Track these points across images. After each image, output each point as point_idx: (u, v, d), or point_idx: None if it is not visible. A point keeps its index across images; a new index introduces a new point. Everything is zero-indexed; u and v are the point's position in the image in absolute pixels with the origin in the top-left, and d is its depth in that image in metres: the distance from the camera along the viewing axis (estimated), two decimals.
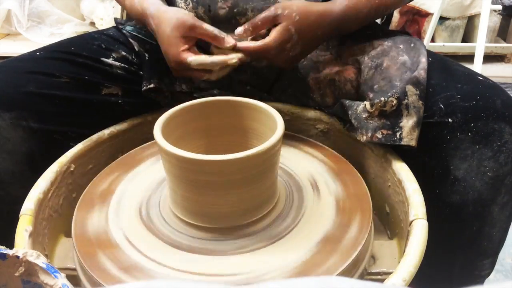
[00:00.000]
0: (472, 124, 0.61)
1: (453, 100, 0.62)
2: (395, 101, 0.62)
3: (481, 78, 0.67)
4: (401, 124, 0.62)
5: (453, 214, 0.63)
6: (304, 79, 0.76)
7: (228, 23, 0.71)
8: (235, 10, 0.71)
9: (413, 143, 0.62)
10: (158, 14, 0.68)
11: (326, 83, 0.74)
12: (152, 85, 0.72)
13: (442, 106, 0.62)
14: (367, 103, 0.64)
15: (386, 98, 0.62)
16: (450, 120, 0.62)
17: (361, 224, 0.56)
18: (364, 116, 0.64)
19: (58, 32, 2.45)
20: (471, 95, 0.63)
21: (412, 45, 0.70)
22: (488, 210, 0.62)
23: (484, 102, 0.62)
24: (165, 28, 0.66)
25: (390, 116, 0.63)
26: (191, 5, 0.73)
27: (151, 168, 0.68)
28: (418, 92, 0.62)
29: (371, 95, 0.67)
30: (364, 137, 0.64)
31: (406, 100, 0.62)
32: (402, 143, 0.62)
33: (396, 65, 0.67)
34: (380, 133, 0.63)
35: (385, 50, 0.71)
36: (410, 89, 0.63)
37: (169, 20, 0.66)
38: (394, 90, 0.63)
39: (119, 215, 0.59)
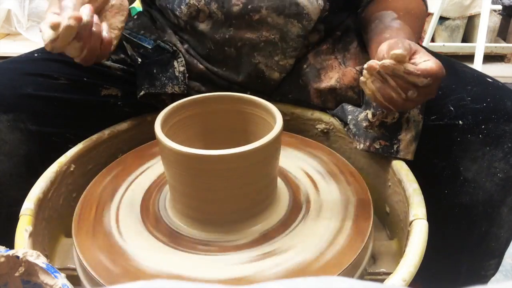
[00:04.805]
0: (482, 126, 0.61)
1: (463, 103, 0.63)
2: (396, 114, 0.62)
3: (490, 80, 0.67)
4: (399, 137, 0.63)
5: (462, 215, 0.63)
6: (305, 87, 0.75)
7: (241, 19, 0.70)
8: (249, 7, 0.70)
9: (409, 156, 0.62)
10: None
11: (327, 91, 0.74)
12: (142, 92, 0.72)
13: (452, 109, 0.63)
14: (369, 112, 0.64)
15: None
16: (460, 122, 0.62)
17: (361, 224, 0.56)
18: (364, 124, 0.65)
19: None
20: (481, 97, 0.63)
21: None
22: (497, 211, 0.62)
23: (495, 104, 0.62)
24: None
25: (390, 128, 0.63)
26: (203, 1, 0.71)
27: (151, 167, 0.68)
28: (419, 106, 0.63)
29: (374, 103, 0.67)
30: (362, 145, 0.65)
31: (407, 114, 0.63)
32: (398, 156, 0.63)
33: None
34: (378, 143, 0.64)
35: None
36: None
37: None
38: None
39: (119, 215, 0.59)
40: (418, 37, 0.69)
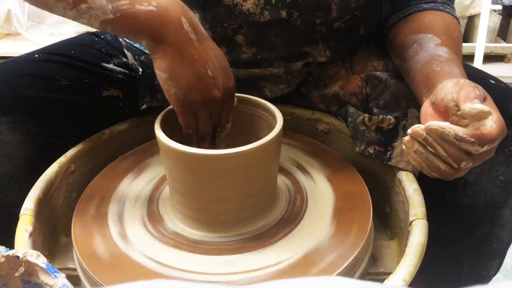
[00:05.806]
0: None
1: None
2: (392, 120, 0.62)
3: (493, 82, 0.67)
4: (394, 144, 0.63)
5: (464, 217, 0.63)
6: (308, 94, 0.75)
7: (247, 63, 0.70)
8: (259, 57, 0.69)
9: (400, 165, 0.61)
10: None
11: (331, 97, 0.74)
12: (144, 106, 0.71)
13: None
14: (366, 116, 0.64)
15: (384, 116, 0.62)
16: None
17: (361, 224, 0.56)
18: (361, 128, 0.64)
19: (58, 32, 2.45)
20: None
21: None
22: (499, 212, 0.63)
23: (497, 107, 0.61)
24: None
25: (386, 134, 0.63)
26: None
27: (151, 167, 0.67)
28: (419, 116, 0.62)
29: (375, 110, 0.67)
30: (357, 149, 0.65)
31: (404, 122, 0.62)
32: (389, 163, 0.62)
33: (405, 81, 0.67)
34: (373, 148, 0.63)
35: (398, 72, 0.70)
36: (412, 111, 0.63)
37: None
38: (398, 111, 0.63)
39: (119, 215, 0.59)
40: None
